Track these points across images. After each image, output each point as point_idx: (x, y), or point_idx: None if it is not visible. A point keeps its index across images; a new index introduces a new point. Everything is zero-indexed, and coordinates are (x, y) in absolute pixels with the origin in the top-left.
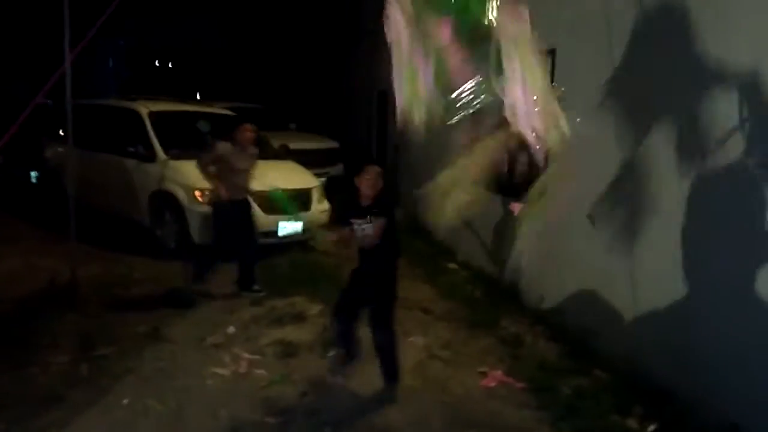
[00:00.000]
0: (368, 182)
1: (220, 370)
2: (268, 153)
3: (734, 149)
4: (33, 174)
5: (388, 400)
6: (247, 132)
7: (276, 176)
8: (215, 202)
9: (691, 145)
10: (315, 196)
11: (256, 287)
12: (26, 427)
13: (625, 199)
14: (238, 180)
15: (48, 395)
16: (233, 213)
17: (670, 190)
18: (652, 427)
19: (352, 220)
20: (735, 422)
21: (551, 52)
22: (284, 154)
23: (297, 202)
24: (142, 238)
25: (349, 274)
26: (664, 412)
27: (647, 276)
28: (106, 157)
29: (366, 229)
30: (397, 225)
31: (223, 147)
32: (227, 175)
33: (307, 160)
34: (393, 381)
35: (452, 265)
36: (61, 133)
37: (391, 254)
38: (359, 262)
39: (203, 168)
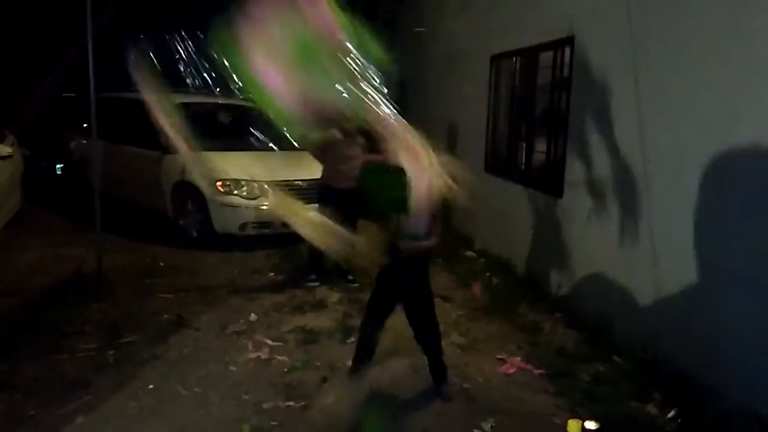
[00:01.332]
0: None
1: (242, 357)
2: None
3: (754, 131)
4: (58, 166)
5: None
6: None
7: (295, 166)
8: (320, 190)
9: (711, 128)
10: None
11: (350, 277)
12: (54, 412)
13: (640, 183)
14: (346, 168)
15: (75, 381)
16: (338, 201)
17: (689, 171)
18: (671, 414)
19: None
20: (758, 412)
21: (569, 40)
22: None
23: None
24: (165, 229)
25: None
26: (684, 399)
27: (666, 261)
28: (129, 149)
29: None
30: None
31: (333, 134)
32: (335, 163)
33: None
34: (437, 381)
35: (470, 253)
36: (84, 125)
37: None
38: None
39: (315, 154)
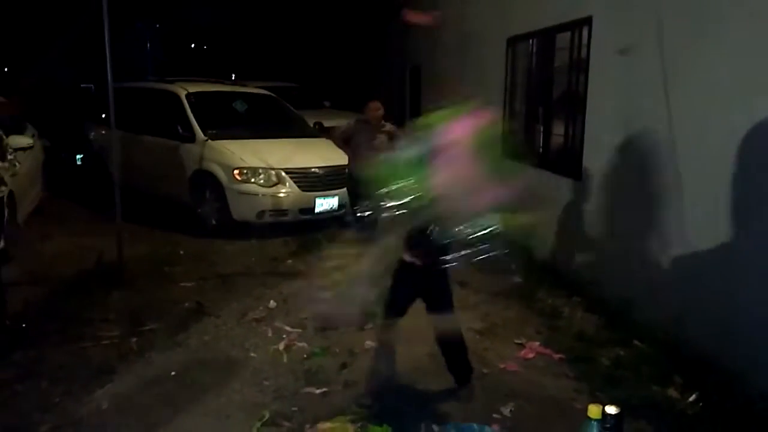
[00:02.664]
0: None
1: (262, 343)
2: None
3: None
4: (78, 156)
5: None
6: (375, 111)
7: (311, 153)
8: (349, 179)
9: (734, 108)
10: None
11: None
12: (79, 398)
13: (660, 165)
14: (370, 156)
15: (100, 368)
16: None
17: (711, 152)
18: (692, 397)
19: None
20: None
21: (587, 20)
22: (319, 131)
23: (332, 178)
24: (184, 217)
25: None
26: (706, 382)
27: (687, 243)
28: (147, 139)
29: None
30: None
31: (356, 124)
32: (359, 152)
33: None
34: (458, 381)
35: None
36: (103, 116)
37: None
38: None
39: (336, 142)
